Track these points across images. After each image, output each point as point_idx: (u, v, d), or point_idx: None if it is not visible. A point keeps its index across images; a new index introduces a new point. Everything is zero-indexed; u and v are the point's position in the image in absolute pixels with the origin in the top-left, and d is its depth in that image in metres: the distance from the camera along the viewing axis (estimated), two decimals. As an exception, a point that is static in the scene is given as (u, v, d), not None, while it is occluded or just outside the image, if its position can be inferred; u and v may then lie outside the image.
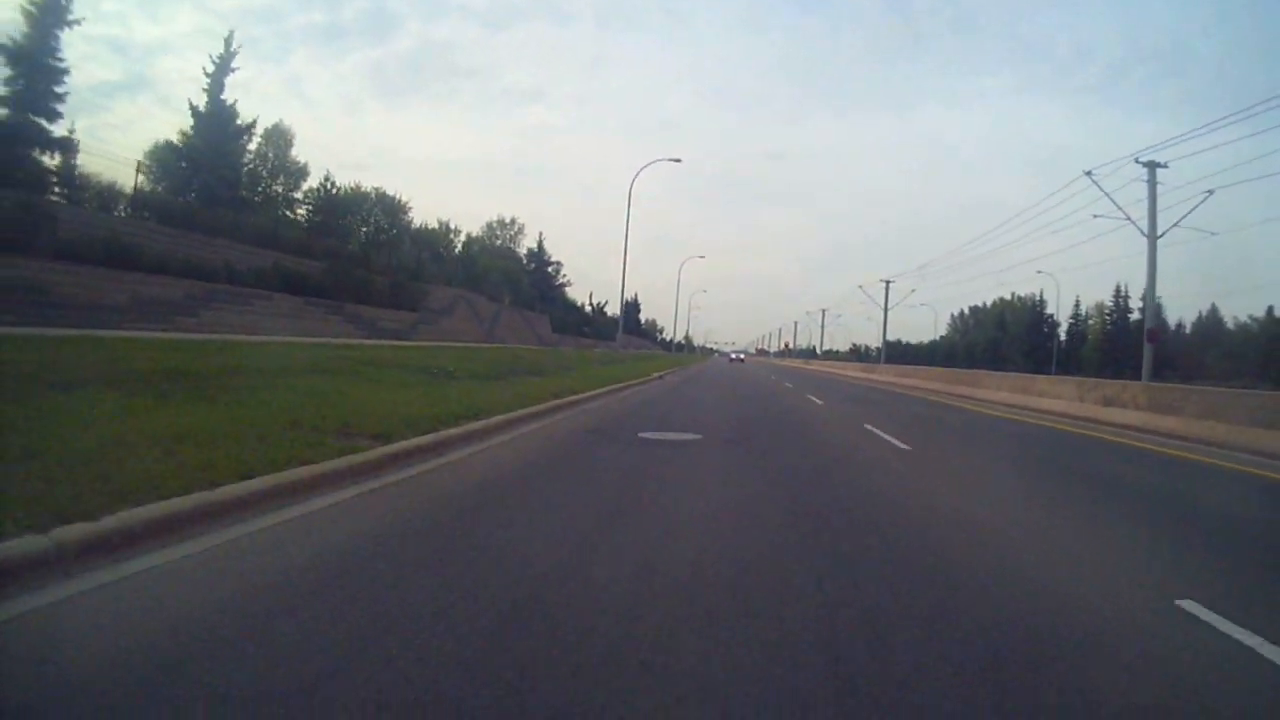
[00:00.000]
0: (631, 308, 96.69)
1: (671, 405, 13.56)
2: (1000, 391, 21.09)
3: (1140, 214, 22.44)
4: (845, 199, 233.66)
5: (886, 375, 37.99)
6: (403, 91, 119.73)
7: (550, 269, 77.11)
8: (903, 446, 8.99)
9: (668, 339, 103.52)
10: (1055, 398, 17.76)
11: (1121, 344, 68.63)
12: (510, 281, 62.74)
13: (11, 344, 9.19)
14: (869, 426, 11.32)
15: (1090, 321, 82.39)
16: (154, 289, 18.59)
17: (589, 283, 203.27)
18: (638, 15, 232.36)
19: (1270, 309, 70.18)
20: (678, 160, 34.63)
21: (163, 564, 3.00)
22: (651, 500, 5.04)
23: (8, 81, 21.84)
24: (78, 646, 2.28)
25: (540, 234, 76.31)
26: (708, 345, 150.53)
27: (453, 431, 6.86)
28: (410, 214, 56.49)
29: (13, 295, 14.72)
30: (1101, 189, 23.26)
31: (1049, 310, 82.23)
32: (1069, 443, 11.38)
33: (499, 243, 73.89)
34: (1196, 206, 21.94)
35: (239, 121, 35.05)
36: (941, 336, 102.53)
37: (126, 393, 6.40)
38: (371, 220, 51.65)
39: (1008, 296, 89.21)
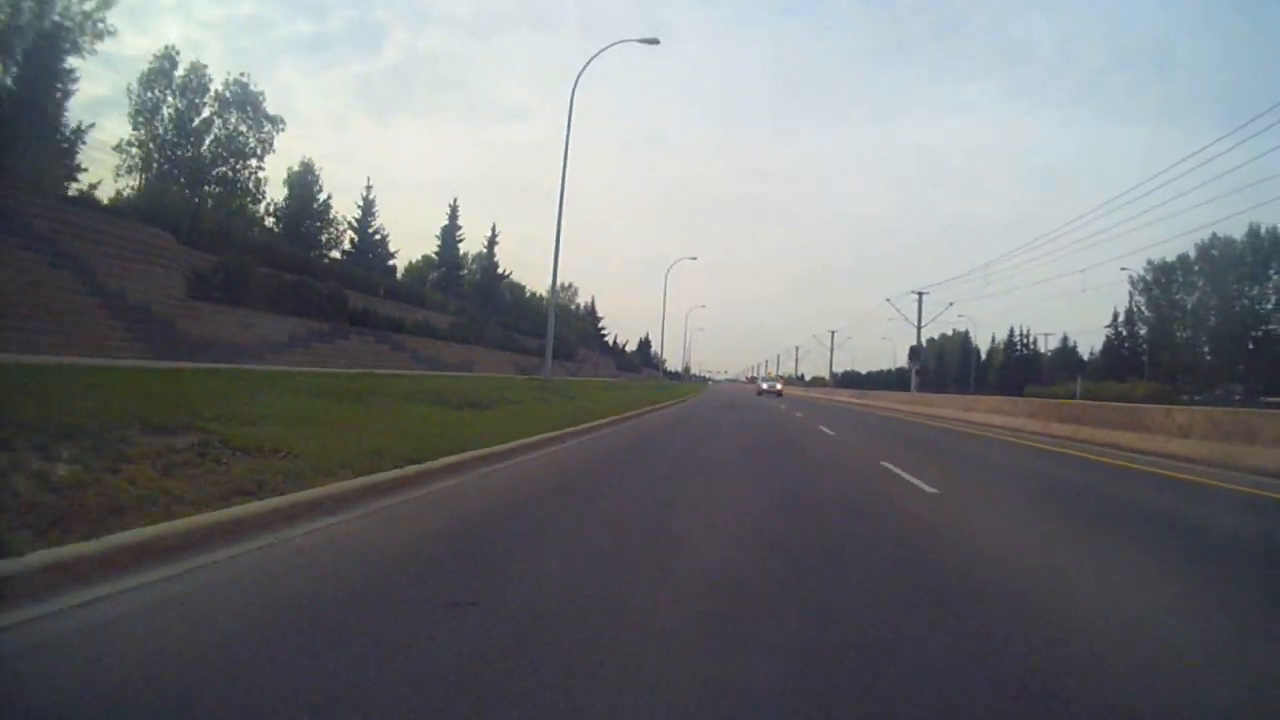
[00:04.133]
0: (644, 345, 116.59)
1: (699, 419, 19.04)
2: (936, 408, 27.49)
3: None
4: (838, 217, 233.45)
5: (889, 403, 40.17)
6: (388, 106, 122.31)
7: (600, 322, 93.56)
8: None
9: (670, 369, 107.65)
10: (942, 406, 23.95)
11: (1011, 369, 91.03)
12: (581, 332, 76.71)
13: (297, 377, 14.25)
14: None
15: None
16: (265, 329, 23.06)
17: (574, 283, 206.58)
18: (621, 26, 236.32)
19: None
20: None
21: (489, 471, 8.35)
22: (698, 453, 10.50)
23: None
24: (431, 513, 7.22)
25: (593, 296, 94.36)
26: (702, 374, 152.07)
27: (597, 421, 12.27)
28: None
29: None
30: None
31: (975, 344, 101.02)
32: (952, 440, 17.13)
33: (561, 300, 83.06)
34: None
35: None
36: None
37: (433, 404, 11.65)
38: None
39: (949, 334, 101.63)
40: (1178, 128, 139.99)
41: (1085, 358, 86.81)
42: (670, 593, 3.55)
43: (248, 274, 22.20)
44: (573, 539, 4.78)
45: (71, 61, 26.73)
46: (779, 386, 67.89)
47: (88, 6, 26.93)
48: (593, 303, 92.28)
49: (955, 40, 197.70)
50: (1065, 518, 6.83)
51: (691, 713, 2.27)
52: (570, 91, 23.63)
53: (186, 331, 18.91)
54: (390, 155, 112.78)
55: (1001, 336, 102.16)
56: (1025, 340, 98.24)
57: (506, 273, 61.65)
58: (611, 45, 24.06)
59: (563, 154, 25.16)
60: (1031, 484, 9.43)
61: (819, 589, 3.79)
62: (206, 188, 35.04)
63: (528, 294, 71.23)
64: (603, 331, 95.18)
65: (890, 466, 9.51)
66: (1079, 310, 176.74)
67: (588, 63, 24.02)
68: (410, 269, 55.47)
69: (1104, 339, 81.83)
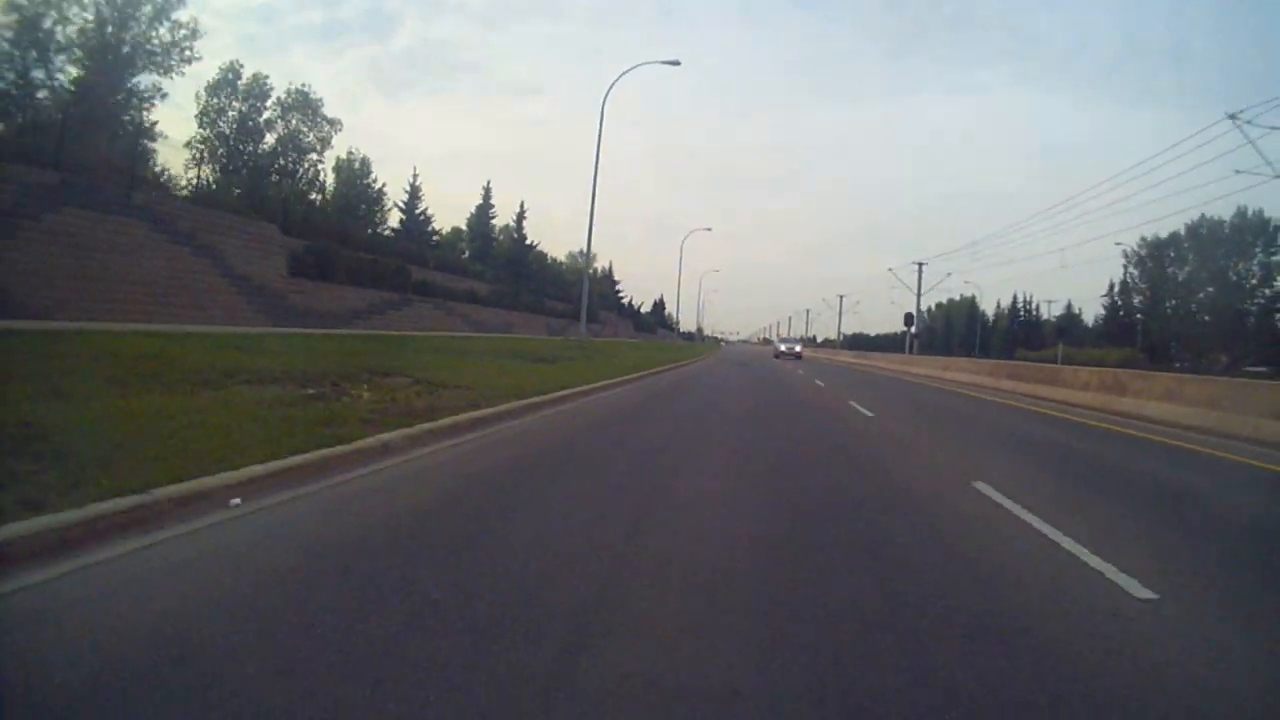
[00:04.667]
0: (659, 306, 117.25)
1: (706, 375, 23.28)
2: (919, 367, 31.47)
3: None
4: (850, 187, 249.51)
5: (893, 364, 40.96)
6: (401, 87, 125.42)
7: (617, 286, 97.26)
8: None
9: (684, 330, 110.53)
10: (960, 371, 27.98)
11: (1013, 334, 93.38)
12: (601, 295, 79.17)
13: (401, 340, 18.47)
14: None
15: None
16: (350, 300, 27.37)
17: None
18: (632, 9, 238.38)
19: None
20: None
21: (549, 411, 12.54)
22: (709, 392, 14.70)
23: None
24: (501, 446, 11.76)
25: (610, 262, 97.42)
26: (714, 335, 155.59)
27: (640, 373, 16.44)
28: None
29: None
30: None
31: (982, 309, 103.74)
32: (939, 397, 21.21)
33: (580, 266, 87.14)
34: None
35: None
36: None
37: (511, 358, 15.84)
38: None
39: (956, 299, 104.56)
40: (1188, 111, 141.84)
41: (1090, 325, 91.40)
42: (716, 439, 7.74)
43: (332, 255, 26.38)
44: (663, 422, 9.14)
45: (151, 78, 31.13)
46: (799, 348, 56.42)
47: (179, 35, 31.32)
48: (610, 268, 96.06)
49: (969, 29, 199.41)
50: (941, 428, 10.96)
51: (728, 470, 6.44)
52: (601, 103, 27.21)
53: (294, 304, 23.17)
54: (405, 131, 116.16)
55: (1009, 303, 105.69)
56: (1028, 307, 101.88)
57: (534, 244, 65.45)
58: (636, 66, 27.27)
59: (594, 157, 28.90)
60: (940, 413, 13.58)
61: (790, 442, 7.97)
62: (274, 179, 39.13)
63: (549, 260, 75.34)
64: (620, 294, 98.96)
65: (853, 403, 13.65)
66: (1088, 279, 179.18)
67: (616, 79, 27.83)
68: (442, 239, 59.48)
69: (1103, 308, 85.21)
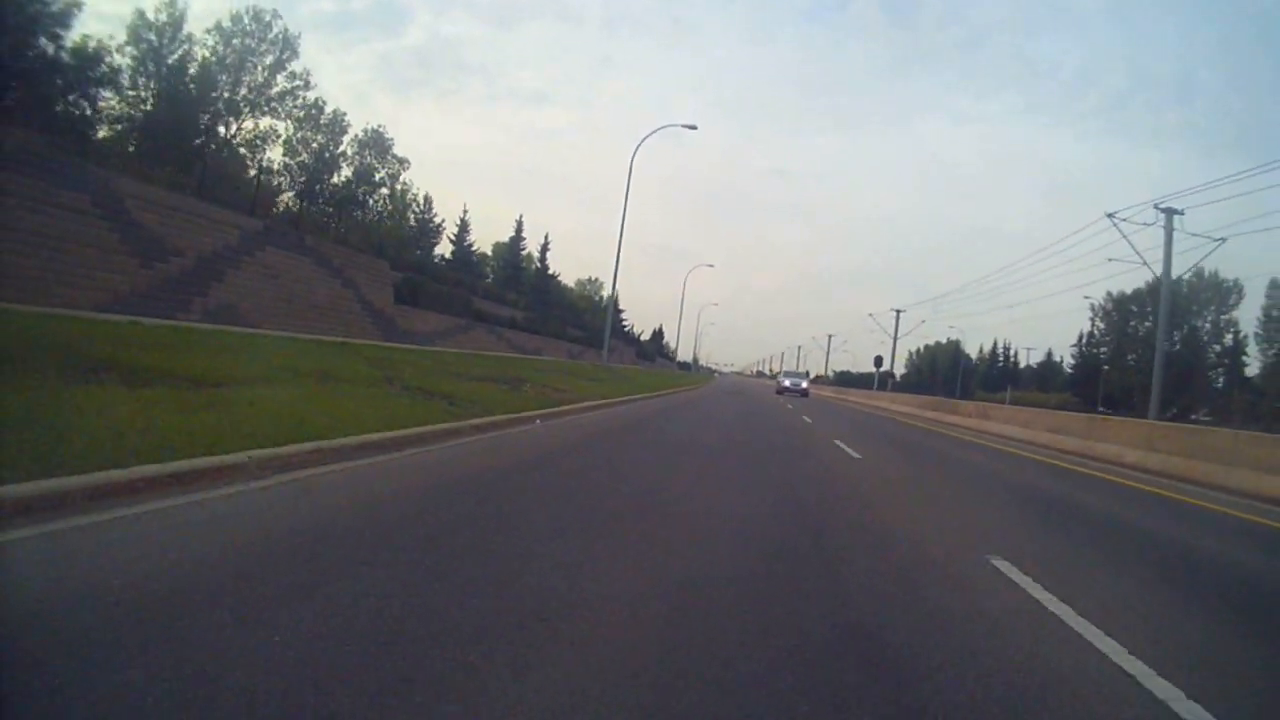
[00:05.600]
0: (657, 335, 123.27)
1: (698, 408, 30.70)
2: (879, 401, 38.83)
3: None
4: (848, 218, 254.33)
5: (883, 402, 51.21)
6: (410, 86, 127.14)
7: (621, 312, 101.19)
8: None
9: (679, 360, 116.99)
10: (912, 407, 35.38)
11: (991, 378, 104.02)
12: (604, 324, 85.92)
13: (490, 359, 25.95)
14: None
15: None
16: (433, 324, 34.76)
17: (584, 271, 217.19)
18: (644, 20, 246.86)
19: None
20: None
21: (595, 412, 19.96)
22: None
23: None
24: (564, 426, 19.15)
25: (616, 291, 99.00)
26: (708, 365, 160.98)
27: (659, 392, 23.85)
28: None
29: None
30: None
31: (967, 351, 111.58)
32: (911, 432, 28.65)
33: (588, 293, 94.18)
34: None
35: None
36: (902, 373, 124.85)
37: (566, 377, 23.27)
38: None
39: (943, 341, 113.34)
40: (1195, 147, 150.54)
41: (1070, 371, 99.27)
42: (715, 432, 15.16)
43: (419, 286, 33.99)
44: (686, 420, 16.42)
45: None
46: (804, 384, 48.57)
47: (293, 84, 38.91)
48: (616, 298, 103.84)
49: (976, 55, 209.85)
50: (854, 432, 18.36)
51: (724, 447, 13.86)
52: (629, 159, 34.96)
53: (398, 325, 30.65)
54: (411, 132, 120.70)
55: (991, 347, 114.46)
56: (1007, 353, 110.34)
57: (555, 274, 73.33)
58: (657, 130, 35.05)
59: (623, 202, 36.30)
60: (856, 423, 20.93)
61: (758, 419, 15.39)
62: (355, 212, 46.79)
63: (565, 288, 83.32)
64: (624, 323, 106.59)
65: (803, 417, 21.03)
66: (1073, 326, 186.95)
67: (642, 140, 34.44)
68: (481, 260, 67.64)
69: (1073, 357, 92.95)
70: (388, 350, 19.29)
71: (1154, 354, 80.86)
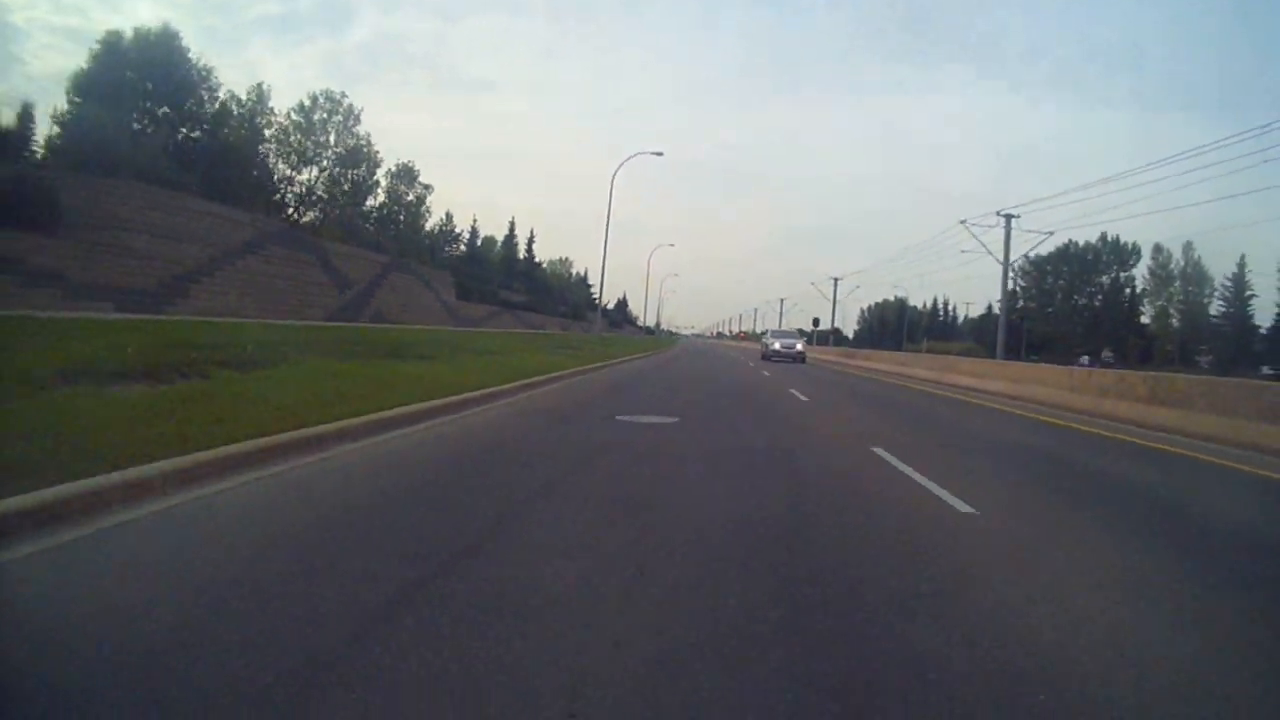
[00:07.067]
0: (621, 304, 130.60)
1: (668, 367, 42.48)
2: (829, 356, 50.82)
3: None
4: (803, 186, 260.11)
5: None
6: (358, 79, 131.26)
7: (590, 288, 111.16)
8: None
9: (642, 325, 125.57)
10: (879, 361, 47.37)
11: (932, 331, 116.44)
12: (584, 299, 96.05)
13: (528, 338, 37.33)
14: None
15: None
16: (479, 312, 45.76)
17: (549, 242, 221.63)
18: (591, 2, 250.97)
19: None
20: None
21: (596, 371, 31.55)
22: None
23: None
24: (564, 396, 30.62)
25: (586, 268, 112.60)
26: (670, 329, 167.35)
27: (648, 352, 35.37)
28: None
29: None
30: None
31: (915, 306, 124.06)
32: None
33: (560, 272, 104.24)
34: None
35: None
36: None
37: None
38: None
39: (891, 299, 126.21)
40: (1149, 112, 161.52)
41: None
42: (693, 373, 26.77)
43: (468, 285, 45.05)
44: (683, 367, 27.95)
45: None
46: (799, 346, 39.30)
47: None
48: (586, 273, 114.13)
49: (924, 29, 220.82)
50: (782, 370, 30.03)
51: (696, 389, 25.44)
52: (610, 182, 45.83)
53: (459, 314, 41.72)
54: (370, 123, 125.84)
55: (932, 303, 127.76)
56: (947, 308, 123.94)
57: (540, 262, 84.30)
58: (632, 157, 45.83)
59: (605, 217, 47.33)
60: (784, 365, 32.61)
61: (714, 367, 27.05)
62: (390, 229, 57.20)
63: (545, 270, 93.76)
64: (594, 296, 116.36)
65: (742, 359, 32.62)
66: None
67: (620, 165, 44.71)
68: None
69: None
70: (481, 335, 30.42)
71: (1070, 307, 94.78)
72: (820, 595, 3.03)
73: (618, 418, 9.42)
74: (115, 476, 3.71)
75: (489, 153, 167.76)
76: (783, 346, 37.06)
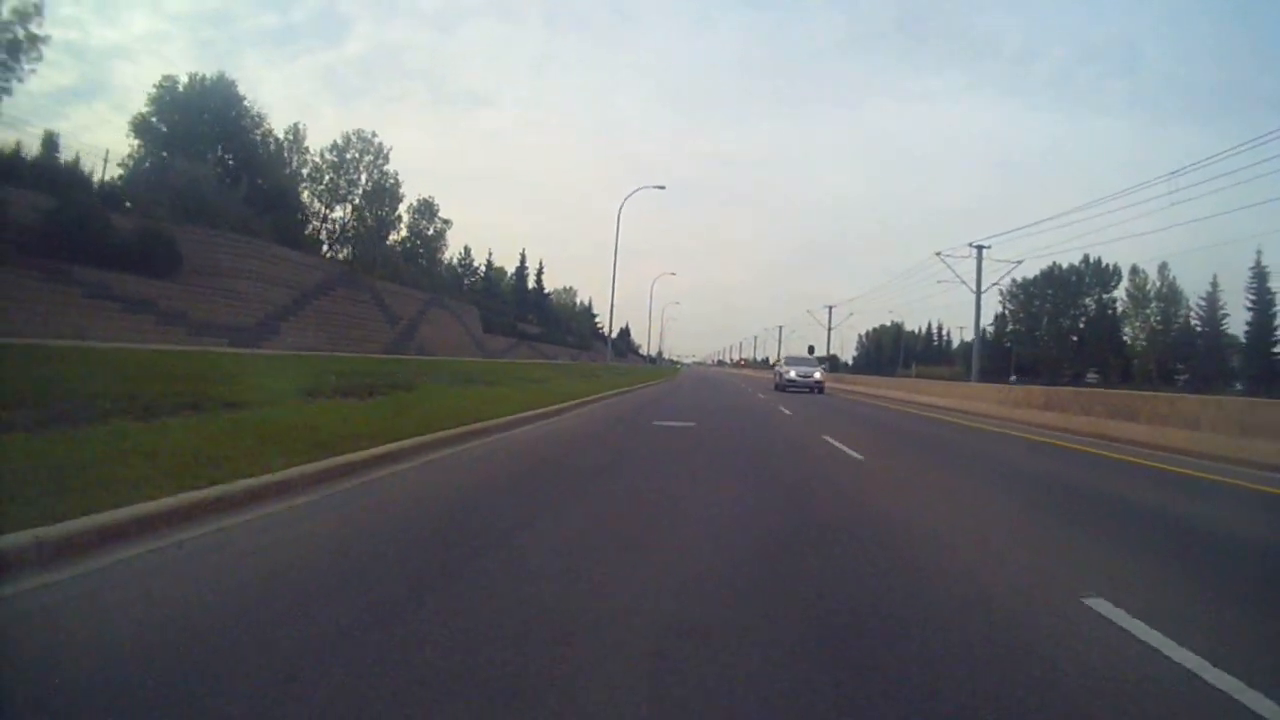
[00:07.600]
0: (624, 333, 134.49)
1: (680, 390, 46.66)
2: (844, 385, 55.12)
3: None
4: (799, 203, 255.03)
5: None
6: (355, 94, 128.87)
7: (596, 318, 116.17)
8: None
9: (645, 354, 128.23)
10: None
11: (927, 355, 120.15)
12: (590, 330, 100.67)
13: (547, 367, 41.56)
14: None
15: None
16: (502, 344, 50.08)
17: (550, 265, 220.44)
18: (586, 14, 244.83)
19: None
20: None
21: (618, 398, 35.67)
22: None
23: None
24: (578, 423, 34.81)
25: (590, 297, 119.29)
26: (671, 358, 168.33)
27: (656, 381, 39.58)
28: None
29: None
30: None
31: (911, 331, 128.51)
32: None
33: (565, 301, 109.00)
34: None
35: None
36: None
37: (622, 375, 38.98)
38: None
39: (888, 324, 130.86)
40: (1146, 116, 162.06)
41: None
42: (699, 399, 31.02)
43: (492, 318, 49.45)
44: (696, 390, 32.14)
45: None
46: (818, 375, 36.15)
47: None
48: (590, 302, 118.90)
49: (919, 32, 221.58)
50: (777, 395, 34.20)
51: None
52: (617, 213, 50.37)
53: (485, 346, 46.03)
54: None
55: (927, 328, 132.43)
56: (940, 332, 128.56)
57: (549, 293, 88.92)
58: (636, 191, 50.54)
59: (605, 242, 51.73)
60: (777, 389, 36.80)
61: (721, 385, 31.28)
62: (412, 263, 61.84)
63: (554, 301, 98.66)
64: (599, 325, 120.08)
65: (743, 386, 36.83)
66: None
67: (624, 201, 47.94)
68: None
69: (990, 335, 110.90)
70: (515, 365, 34.62)
71: (1056, 331, 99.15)
72: (779, 483, 7.23)
73: (654, 423, 13.45)
74: (428, 436, 7.93)
75: (484, 173, 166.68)
76: (799, 375, 35.02)
